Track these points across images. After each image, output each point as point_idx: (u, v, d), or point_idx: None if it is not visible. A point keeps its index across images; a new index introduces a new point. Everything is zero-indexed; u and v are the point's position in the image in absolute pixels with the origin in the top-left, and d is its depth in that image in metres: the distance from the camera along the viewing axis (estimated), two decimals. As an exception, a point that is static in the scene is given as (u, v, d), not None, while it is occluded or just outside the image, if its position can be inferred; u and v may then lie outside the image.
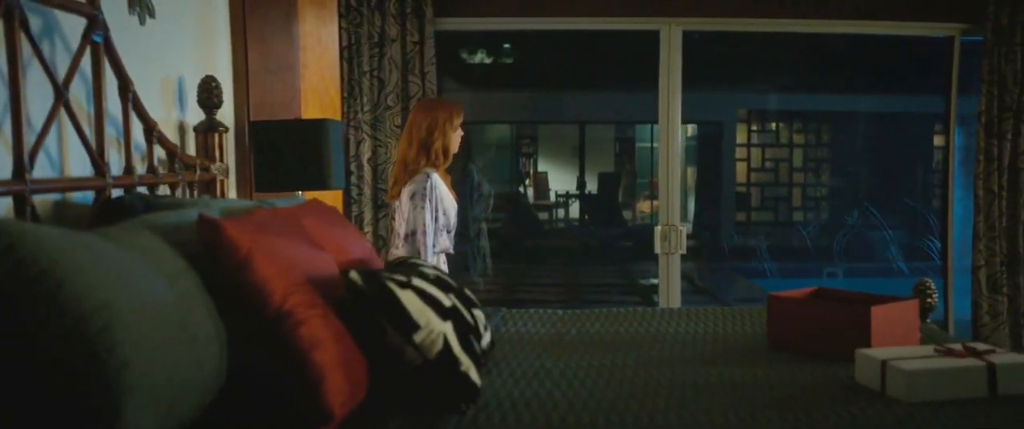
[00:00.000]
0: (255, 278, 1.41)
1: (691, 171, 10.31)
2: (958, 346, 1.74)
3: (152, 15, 2.22)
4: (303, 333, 1.40)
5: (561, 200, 10.71)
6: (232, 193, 2.72)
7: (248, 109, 2.81)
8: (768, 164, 9.34)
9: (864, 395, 1.60)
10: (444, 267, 2.85)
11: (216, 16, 2.74)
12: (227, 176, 2.47)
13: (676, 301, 3.74)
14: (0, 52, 1.62)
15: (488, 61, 8.94)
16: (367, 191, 3.53)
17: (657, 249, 3.73)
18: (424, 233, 2.63)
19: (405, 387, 1.52)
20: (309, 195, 3.07)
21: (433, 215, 2.67)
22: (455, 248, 2.87)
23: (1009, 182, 3.61)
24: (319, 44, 3.34)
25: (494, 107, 9.43)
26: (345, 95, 3.51)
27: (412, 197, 2.66)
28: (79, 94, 1.93)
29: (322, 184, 2.54)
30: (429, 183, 2.66)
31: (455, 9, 3.56)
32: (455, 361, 1.48)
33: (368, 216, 3.54)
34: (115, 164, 2.02)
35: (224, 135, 2.44)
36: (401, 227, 2.70)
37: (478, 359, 1.56)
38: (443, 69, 3.66)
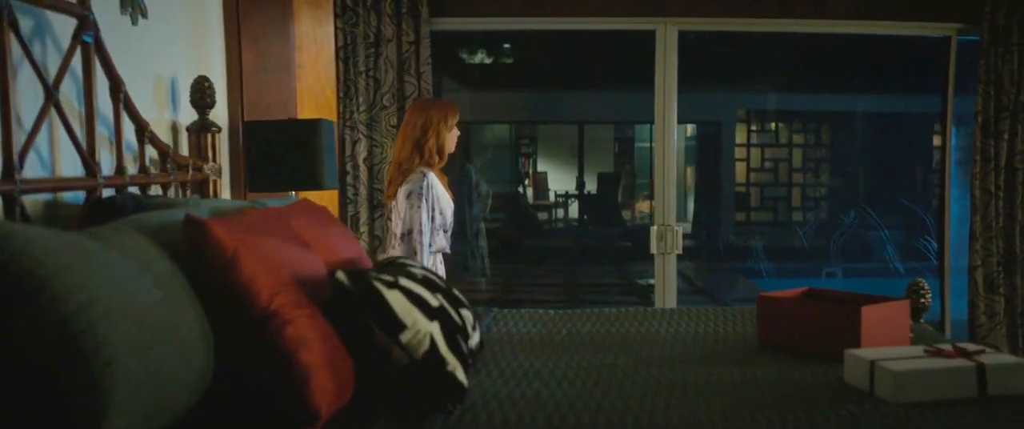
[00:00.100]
0: (241, 278, 1.41)
1: (690, 171, 10.31)
2: (948, 346, 1.74)
3: (144, 15, 2.22)
4: (289, 333, 1.40)
5: (560, 200, 10.72)
6: (226, 193, 2.72)
7: (242, 109, 2.81)
8: (767, 164, 9.34)
9: (853, 396, 1.60)
10: (441, 267, 2.85)
11: (210, 16, 2.74)
12: (220, 176, 2.47)
13: (672, 301, 3.74)
14: (-11, 52, 1.62)
15: (488, 61, 8.94)
16: (363, 191, 3.53)
17: (653, 249, 3.73)
18: (420, 232, 2.63)
19: (392, 387, 1.52)
20: (304, 195, 3.08)
21: (429, 214, 2.67)
22: (453, 248, 2.87)
23: (1006, 182, 3.60)
24: (315, 44, 3.34)
25: (493, 107, 9.44)
26: (341, 95, 3.51)
27: (408, 196, 2.66)
28: (70, 94, 1.93)
29: (315, 184, 2.54)
30: (426, 182, 2.67)
31: (450, 9, 3.56)
32: (442, 361, 1.48)
33: (364, 216, 3.54)
34: (107, 164, 2.02)
35: (217, 135, 2.44)
36: (397, 227, 2.70)
37: (465, 359, 1.56)
38: (442, 69, 3.67)
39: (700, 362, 1.83)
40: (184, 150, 2.46)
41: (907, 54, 7.34)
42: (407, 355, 1.48)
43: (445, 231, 2.79)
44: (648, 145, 10.73)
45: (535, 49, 8.54)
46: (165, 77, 2.40)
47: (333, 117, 3.49)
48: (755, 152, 9.34)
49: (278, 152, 2.50)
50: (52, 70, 1.83)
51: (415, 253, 2.64)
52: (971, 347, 1.74)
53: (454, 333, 1.56)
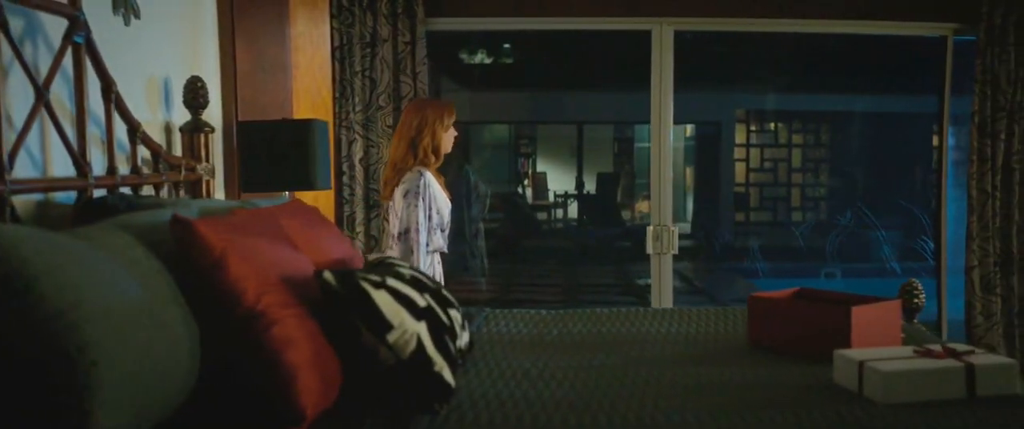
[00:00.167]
0: (228, 278, 1.41)
1: (690, 171, 10.31)
2: (938, 347, 1.74)
3: (137, 16, 2.23)
4: (276, 333, 1.40)
5: (559, 200, 10.72)
6: (219, 193, 2.72)
7: (236, 109, 2.81)
8: (767, 164, 9.33)
9: (841, 396, 1.60)
10: (439, 267, 2.86)
11: (204, 17, 2.74)
12: (213, 176, 2.47)
13: (668, 301, 3.74)
14: (-21, 53, 1.63)
15: (488, 61, 8.94)
16: (359, 191, 3.53)
17: (649, 249, 3.73)
18: (417, 231, 2.63)
19: (379, 387, 1.52)
20: (299, 196, 3.08)
21: (426, 213, 2.67)
22: (452, 249, 2.88)
23: (1003, 182, 3.59)
24: (311, 44, 3.35)
25: (492, 107, 9.44)
26: (337, 95, 3.51)
27: (405, 195, 2.66)
28: (62, 95, 1.94)
29: (308, 184, 2.55)
30: (422, 181, 2.67)
31: (446, 9, 3.56)
32: (429, 361, 1.48)
33: (360, 216, 3.54)
34: (98, 164, 2.02)
35: (210, 135, 2.44)
36: (394, 226, 2.71)
37: (453, 359, 1.56)
38: (441, 69, 3.67)
39: (690, 362, 1.83)
40: (177, 150, 2.46)
41: (907, 54, 7.33)
42: (394, 355, 1.48)
43: (442, 231, 2.79)
44: (648, 145, 10.70)
45: (534, 49, 8.54)
46: (158, 77, 2.41)
47: (329, 117, 3.49)
48: (754, 152, 9.34)
49: (271, 152, 2.50)
50: (43, 71, 1.84)
51: (412, 252, 2.65)
52: (961, 348, 1.73)
53: (442, 333, 1.56)
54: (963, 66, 3.71)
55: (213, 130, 2.46)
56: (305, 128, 2.54)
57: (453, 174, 6.21)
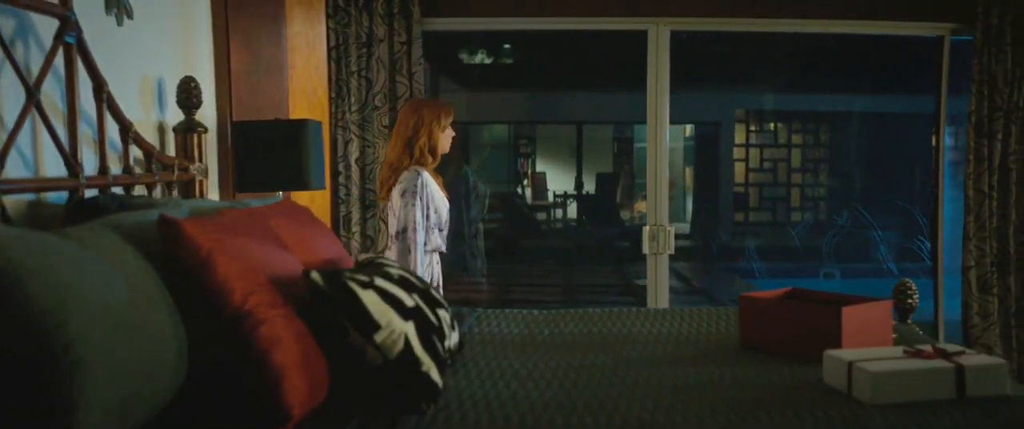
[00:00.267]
0: (215, 277, 1.42)
1: (689, 171, 10.30)
2: (928, 347, 1.74)
3: (130, 16, 2.23)
4: (263, 333, 1.40)
5: (559, 200, 10.71)
6: (214, 194, 2.73)
7: (231, 109, 2.81)
8: (766, 164, 9.32)
9: (830, 397, 1.60)
10: (437, 266, 2.86)
11: (198, 17, 2.75)
12: (206, 176, 2.47)
13: (664, 301, 3.74)
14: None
15: (488, 61, 8.95)
16: (355, 191, 3.54)
17: (646, 249, 3.73)
18: (414, 230, 2.64)
19: (366, 387, 1.52)
20: (295, 196, 3.09)
21: (424, 212, 2.68)
22: (452, 249, 2.88)
23: (999, 182, 3.59)
24: (307, 45, 3.35)
25: (492, 107, 9.44)
26: (333, 95, 3.52)
27: (402, 194, 2.67)
28: (54, 95, 1.94)
29: (302, 184, 2.55)
30: (420, 181, 2.68)
31: (442, 9, 3.56)
32: (416, 361, 1.48)
33: (356, 216, 3.54)
34: (91, 164, 2.02)
35: (203, 135, 2.44)
36: (392, 226, 2.71)
37: (440, 359, 1.56)
38: (441, 69, 3.67)
39: (679, 363, 1.83)
40: (171, 150, 2.47)
41: (907, 54, 7.32)
42: (381, 355, 1.48)
43: (440, 230, 2.80)
44: (646, 145, 10.68)
45: (534, 49, 8.54)
46: (152, 77, 2.41)
47: (325, 117, 3.49)
48: (754, 152, 9.33)
49: (265, 152, 2.50)
50: (35, 71, 1.84)
51: (409, 251, 2.65)
52: (951, 348, 1.73)
53: (430, 333, 1.56)
54: (961, 66, 3.70)
55: (206, 130, 2.46)
56: (299, 128, 2.55)
57: (452, 175, 6.21)
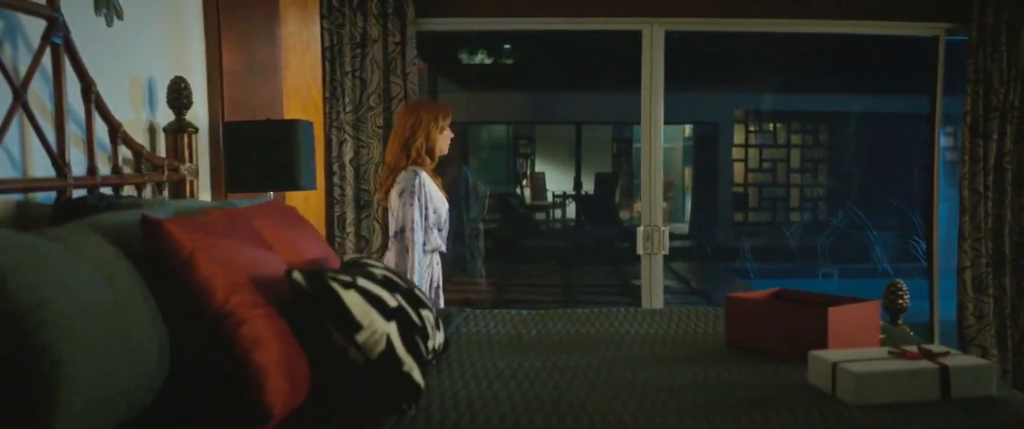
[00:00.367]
0: (197, 277, 1.42)
1: (688, 172, 10.29)
2: (913, 348, 1.73)
3: (120, 16, 2.23)
4: (244, 332, 1.41)
5: (558, 201, 10.71)
6: (205, 194, 2.73)
7: (223, 110, 2.82)
8: (765, 164, 9.31)
9: (814, 398, 1.59)
10: (438, 267, 2.87)
11: (190, 17, 2.75)
12: (196, 177, 2.48)
13: (659, 302, 3.73)
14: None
15: (489, 61, 8.95)
16: (349, 192, 3.54)
17: (640, 250, 3.73)
18: (412, 230, 2.66)
19: (348, 387, 1.52)
20: (290, 196, 3.09)
21: (422, 212, 2.70)
22: (452, 250, 2.89)
23: (995, 182, 3.58)
24: (301, 45, 3.35)
25: (491, 107, 9.44)
26: (327, 96, 3.52)
27: (400, 194, 2.69)
28: (43, 96, 1.95)
29: (294, 185, 2.55)
30: (417, 181, 2.70)
31: (436, 9, 3.56)
32: (398, 361, 1.48)
33: (350, 217, 3.54)
34: (79, 165, 2.03)
35: (194, 136, 2.45)
36: (392, 226, 2.73)
37: (423, 359, 1.56)
38: (439, 69, 3.67)
39: (665, 363, 1.83)
40: (162, 151, 2.47)
41: (907, 54, 7.30)
42: (363, 355, 1.48)
43: (439, 230, 2.81)
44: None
45: (533, 49, 8.54)
46: (142, 78, 2.42)
47: (319, 118, 3.50)
48: (753, 152, 9.31)
49: (256, 153, 2.51)
50: (23, 71, 1.85)
51: (407, 251, 2.66)
52: (936, 349, 1.73)
53: (412, 333, 1.56)
54: (958, 66, 3.69)
55: (196, 130, 2.47)
56: (290, 128, 2.55)
57: (452, 176, 6.22)
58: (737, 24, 3.70)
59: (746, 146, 9.29)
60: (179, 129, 2.41)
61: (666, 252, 3.74)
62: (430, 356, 1.67)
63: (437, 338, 1.74)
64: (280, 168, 2.51)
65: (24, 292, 1.19)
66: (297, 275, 1.48)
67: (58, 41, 1.89)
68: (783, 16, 3.62)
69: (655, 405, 1.51)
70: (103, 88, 2.09)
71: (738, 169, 9.29)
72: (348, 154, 3.52)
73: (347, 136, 3.52)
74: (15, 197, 1.83)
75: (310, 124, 2.67)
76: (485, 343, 2.00)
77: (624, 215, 10.11)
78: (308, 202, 3.36)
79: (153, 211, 1.66)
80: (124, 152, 2.21)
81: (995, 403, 1.58)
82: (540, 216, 10.49)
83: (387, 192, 2.81)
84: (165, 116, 2.48)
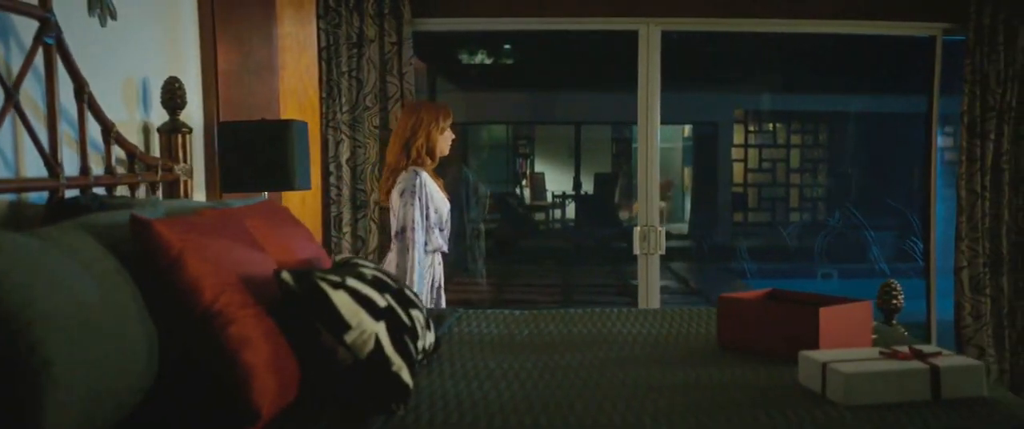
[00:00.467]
0: (186, 277, 1.42)
1: (688, 172, 10.28)
2: (904, 348, 1.73)
3: (114, 17, 2.24)
4: (233, 332, 1.41)
5: (557, 201, 10.71)
6: (200, 194, 2.74)
7: (218, 110, 2.82)
8: (765, 165, 9.30)
9: (804, 398, 1.59)
10: (440, 267, 2.88)
11: (184, 18, 2.76)
12: (191, 177, 2.48)
13: (655, 302, 3.73)
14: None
15: (489, 61, 8.95)
16: (346, 192, 3.54)
17: (636, 250, 3.73)
18: (413, 229, 2.67)
19: (337, 387, 1.53)
20: (286, 196, 3.10)
21: (423, 212, 2.71)
22: (452, 250, 2.90)
23: (992, 182, 3.58)
24: (298, 45, 3.36)
25: (490, 108, 9.45)
26: (323, 96, 3.52)
27: (401, 194, 2.71)
28: (36, 96, 1.95)
29: (288, 185, 2.55)
30: (418, 181, 2.71)
31: (433, 10, 3.57)
32: (387, 361, 1.49)
33: (347, 217, 3.55)
34: (72, 165, 2.03)
35: (188, 136, 2.45)
36: (393, 226, 2.75)
37: (412, 359, 1.56)
38: (438, 70, 3.68)
39: (656, 363, 1.83)
40: (157, 151, 2.47)
41: (907, 54, 7.29)
42: (352, 355, 1.48)
43: (441, 230, 2.82)
44: (646, 146, 10.61)
45: (532, 49, 8.54)
46: (136, 78, 2.42)
47: (316, 118, 3.50)
48: (752, 153, 9.30)
49: (251, 153, 2.51)
50: (15, 72, 1.85)
51: (407, 250, 2.67)
52: (927, 349, 1.73)
53: (401, 333, 1.56)
54: (956, 66, 3.69)
55: (190, 131, 2.47)
56: (284, 128, 2.55)
57: (452, 176, 6.22)
58: (734, 24, 3.70)
59: (746, 146, 9.28)
60: (173, 129, 2.41)
61: (663, 252, 3.74)
62: (420, 356, 1.67)
63: (427, 338, 1.74)
64: (275, 168, 2.51)
65: (14, 292, 1.19)
66: (286, 275, 1.48)
67: (50, 41, 1.89)
68: (780, 16, 3.61)
69: (644, 405, 1.51)
70: (97, 88, 2.09)
71: (738, 169, 9.28)
72: (345, 154, 3.53)
73: (344, 136, 3.52)
74: (7, 197, 1.83)
75: (305, 124, 2.68)
76: (477, 343, 2.00)
77: (623, 215, 10.10)
78: (305, 202, 3.37)
79: (144, 211, 1.66)
80: (118, 152, 2.22)
81: (986, 403, 1.58)
82: (539, 216, 10.49)
83: (388, 193, 2.83)
84: (160, 116, 2.48)
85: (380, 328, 1.51)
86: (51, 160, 1.90)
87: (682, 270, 8.03)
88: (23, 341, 1.17)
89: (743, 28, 3.75)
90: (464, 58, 8.62)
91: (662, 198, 4.30)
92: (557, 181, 10.92)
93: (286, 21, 3.23)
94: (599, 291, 7.20)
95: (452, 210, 2.91)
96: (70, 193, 1.97)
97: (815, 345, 1.82)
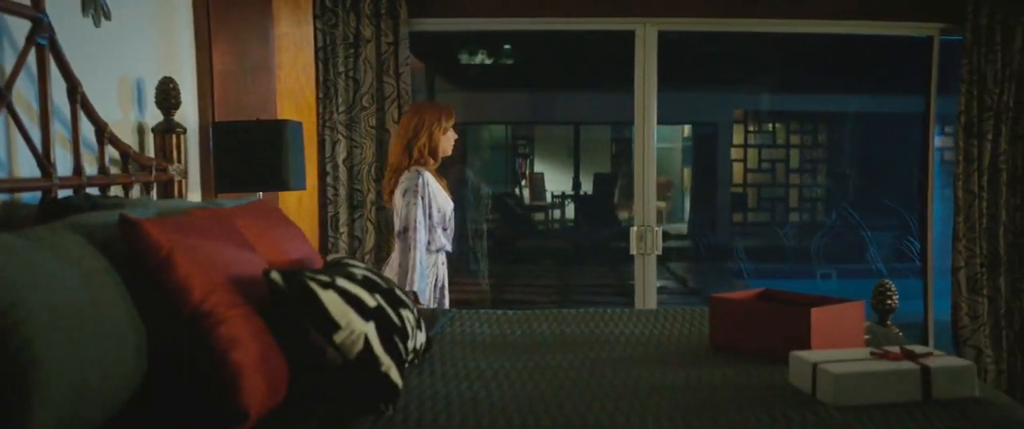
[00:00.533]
0: (175, 277, 1.42)
1: (687, 172, 10.27)
2: (895, 349, 1.73)
3: (108, 17, 2.24)
4: (222, 332, 1.41)
5: (556, 201, 10.70)
6: (195, 194, 2.74)
7: (213, 110, 2.83)
8: (764, 165, 9.28)
9: (794, 398, 1.59)
10: (444, 267, 2.89)
11: (180, 18, 2.76)
12: (185, 177, 2.48)
13: (652, 302, 3.73)
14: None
15: (489, 62, 8.94)
16: (342, 192, 3.54)
17: (633, 250, 3.72)
18: (415, 229, 2.67)
19: (326, 387, 1.53)
20: (282, 196, 3.10)
21: (426, 211, 2.72)
22: (455, 250, 2.92)
23: (989, 182, 3.57)
24: (294, 45, 3.36)
25: (489, 108, 9.44)
26: (320, 96, 3.53)
27: (404, 194, 2.72)
28: (29, 97, 1.96)
29: (282, 185, 2.56)
30: (421, 180, 2.72)
31: (429, 10, 3.57)
32: (376, 361, 1.49)
33: (343, 217, 3.55)
34: (66, 165, 2.04)
35: (182, 136, 2.45)
36: (397, 225, 2.75)
37: (401, 360, 1.56)
38: (437, 70, 3.68)
39: (647, 364, 1.83)
40: (151, 151, 2.48)
41: (907, 54, 7.27)
42: (341, 355, 1.48)
43: (444, 229, 2.83)
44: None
45: (532, 50, 8.54)
46: (131, 78, 2.42)
47: (313, 118, 3.50)
48: (752, 153, 9.29)
49: (245, 153, 2.51)
50: (7, 72, 1.85)
51: (410, 250, 2.68)
52: (919, 349, 1.72)
53: (391, 333, 1.56)
54: (953, 66, 3.68)
55: (185, 131, 2.47)
56: (278, 129, 2.56)
57: (454, 177, 6.23)
58: (730, 24, 3.70)
59: (745, 146, 9.27)
60: (167, 129, 2.41)
61: (659, 252, 3.74)
62: (410, 356, 1.68)
63: (418, 338, 1.74)
64: (269, 168, 2.52)
65: (0, 291, 1.19)
66: (275, 275, 1.48)
67: (43, 42, 1.90)
68: (776, 16, 3.61)
69: (633, 405, 1.51)
70: (91, 89, 2.10)
71: (737, 169, 9.27)
72: (341, 154, 3.53)
73: (340, 136, 3.52)
74: (0, 197, 1.84)
75: (299, 124, 2.68)
76: (469, 343, 2.01)
77: (623, 215, 10.10)
78: (301, 202, 3.37)
79: (135, 211, 1.66)
80: (112, 153, 2.22)
81: (977, 404, 1.58)
82: (539, 217, 10.49)
83: (391, 193, 2.84)
84: (154, 117, 2.49)
85: (369, 328, 1.51)
86: (44, 160, 1.90)
87: (680, 270, 8.03)
88: (11, 340, 1.17)
89: (739, 28, 3.75)
90: (463, 58, 8.62)
91: (662, 198, 4.31)
92: (556, 181, 10.92)
93: (283, 21, 3.23)
94: (598, 291, 7.19)
95: (455, 210, 2.92)
96: (64, 193, 1.97)
97: (807, 345, 1.82)
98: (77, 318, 1.28)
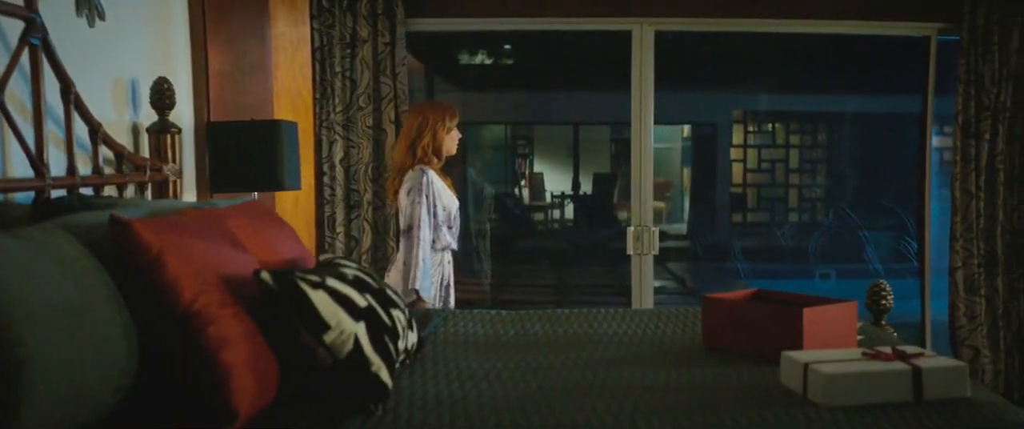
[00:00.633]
0: (165, 277, 1.42)
1: (687, 172, 10.26)
2: (887, 349, 1.73)
3: (102, 17, 2.24)
4: (212, 332, 1.41)
5: (556, 201, 10.69)
6: (190, 194, 2.74)
7: (209, 110, 2.83)
8: (764, 165, 9.27)
9: (785, 399, 1.59)
10: (449, 265, 2.89)
11: (175, 18, 2.76)
12: (180, 177, 2.49)
13: (649, 302, 3.73)
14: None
15: (488, 62, 8.94)
16: (339, 192, 3.55)
17: (629, 250, 3.72)
18: (420, 227, 2.68)
19: (316, 387, 1.53)
20: (279, 196, 3.10)
21: (430, 210, 2.73)
22: (458, 250, 2.93)
23: (986, 183, 3.57)
24: (291, 45, 3.36)
25: (489, 108, 9.44)
26: (317, 96, 3.53)
27: (408, 193, 2.74)
28: (21, 96, 1.96)
29: (277, 185, 2.56)
30: (425, 179, 2.73)
31: (426, 10, 3.57)
32: (366, 361, 1.49)
33: (340, 217, 3.55)
34: (60, 165, 2.04)
35: (177, 136, 2.46)
36: (401, 224, 2.77)
37: (392, 360, 1.56)
38: (436, 70, 3.68)
39: (640, 364, 1.83)
40: (146, 151, 2.48)
41: (905, 54, 7.26)
42: (331, 355, 1.48)
43: (449, 228, 2.84)
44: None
45: (530, 50, 8.54)
46: (126, 78, 2.43)
47: (309, 118, 3.51)
48: (751, 153, 9.27)
49: (240, 153, 2.52)
50: (1, 72, 1.85)
51: (413, 248, 2.68)
52: (911, 350, 1.72)
53: (381, 333, 1.56)
54: (950, 66, 3.68)
55: (179, 131, 2.48)
56: (274, 129, 2.56)
57: (457, 177, 6.22)
58: (727, 24, 3.70)
59: (744, 146, 9.25)
60: (162, 130, 2.42)
61: (656, 252, 3.74)
62: (401, 356, 1.68)
63: (409, 338, 1.74)
64: (264, 168, 2.52)
65: (-11, 292, 1.19)
66: (265, 275, 1.48)
67: (36, 42, 1.90)
68: (775, 16, 3.61)
69: (623, 406, 1.51)
70: (85, 89, 2.10)
71: (737, 169, 9.26)
72: (338, 154, 3.53)
73: (337, 136, 3.52)
74: (-5, 197, 1.84)
75: (295, 124, 2.68)
76: (461, 343, 2.01)
77: (622, 215, 10.09)
78: (298, 202, 3.37)
79: (127, 211, 1.66)
80: (106, 153, 2.22)
81: (969, 404, 1.57)
82: (538, 216, 10.49)
83: (396, 193, 2.85)
84: (149, 117, 2.49)
85: (360, 328, 1.51)
86: (37, 160, 1.91)
87: (679, 270, 8.02)
88: (2, 340, 1.18)
89: (736, 28, 3.75)
90: (463, 58, 8.61)
91: (661, 198, 4.31)
92: (556, 181, 10.91)
93: (279, 21, 3.23)
94: (596, 291, 7.19)
95: (459, 209, 2.93)
96: (58, 193, 1.98)
97: (799, 346, 1.81)
98: (68, 318, 1.29)
